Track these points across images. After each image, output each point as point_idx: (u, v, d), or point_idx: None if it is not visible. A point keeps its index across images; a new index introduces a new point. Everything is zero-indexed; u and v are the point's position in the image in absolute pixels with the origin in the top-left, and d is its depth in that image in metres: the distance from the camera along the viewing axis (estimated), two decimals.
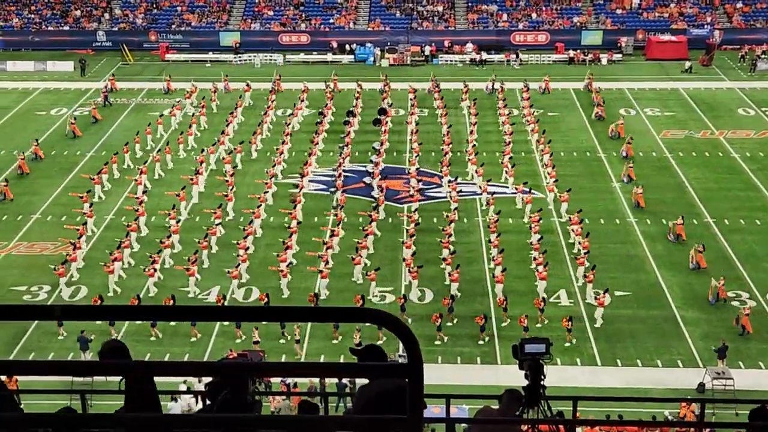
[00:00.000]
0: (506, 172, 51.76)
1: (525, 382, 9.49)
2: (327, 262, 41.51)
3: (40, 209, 48.73)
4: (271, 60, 76.65)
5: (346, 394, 27.33)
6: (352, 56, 77.55)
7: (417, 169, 52.32)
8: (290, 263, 41.74)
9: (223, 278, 41.28)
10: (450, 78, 69.08)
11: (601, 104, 62.82)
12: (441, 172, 52.06)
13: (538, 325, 37.98)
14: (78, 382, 23.09)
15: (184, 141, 56.47)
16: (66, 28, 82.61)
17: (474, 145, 54.97)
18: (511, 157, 53.26)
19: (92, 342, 35.69)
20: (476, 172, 51.40)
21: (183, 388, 30.35)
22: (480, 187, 50.02)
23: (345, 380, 31.53)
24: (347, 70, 72.86)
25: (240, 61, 76.92)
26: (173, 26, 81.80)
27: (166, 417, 4.72)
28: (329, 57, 77.38)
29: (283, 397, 31.87)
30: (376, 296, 40.47)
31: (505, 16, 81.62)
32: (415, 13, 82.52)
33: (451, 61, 76.66)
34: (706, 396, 32.99)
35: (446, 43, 78.63)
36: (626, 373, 35.53)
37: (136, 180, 50.30)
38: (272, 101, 62.67)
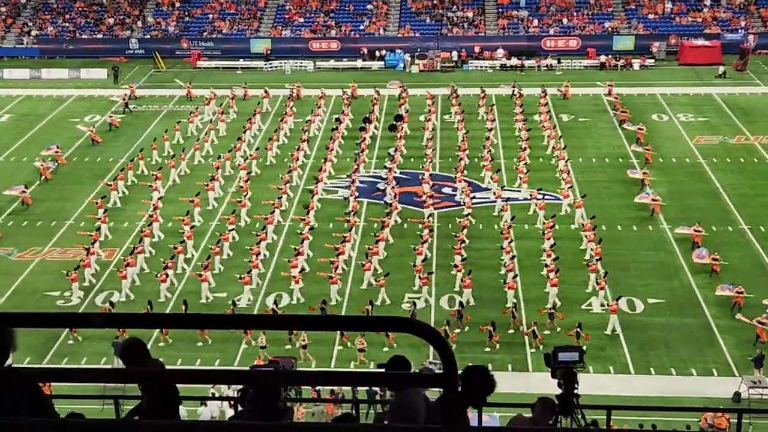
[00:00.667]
0: (520, 178, 51.52)
1: (556, 390, 9.40)
2: (337, 268, 41.54)
3: (73, 215, 49.11)
4: (301, 67, 76.88)
5: (376, 401, 27.28)
6: (382, 62, 77.60)
7: (430, 174, 52.03)
8: (302, 269, 41.77)
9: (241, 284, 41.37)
10: (480, 84, 68.83)
11: (625, 111, 62.32)
12: (456, 178, 51.94)
13: (547, 332, 37.71)
14: (110, 387, 23.14)
15: (201, 147, 56.80)
16: (99, 36, 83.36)
17: (489, 151, 54.80)
18: (526, 163, 53.04)
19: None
20: (492, 178, 51.21)
21: (213, 393, 30.45)
22: (494, 193, 49.85)
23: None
24: (377, 76, 72.88)
25: (271, 67, 77.21)
26: (205, 34, 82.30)
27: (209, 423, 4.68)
28: (359, 63, 77.48)
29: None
30: (406, 302, 40.39)
31: (535, 22, 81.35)
32: (445, 19, 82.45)
33: (481, 67, 76.49)
34: (741, 406, 32.57)
35: (476, 49, 78.46)
36: (660, 381, 35.14)
37: (151, 186, 50.59)
38: (290, 108, 62.78)
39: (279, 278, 42.28)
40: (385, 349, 36.70)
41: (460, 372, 6.96)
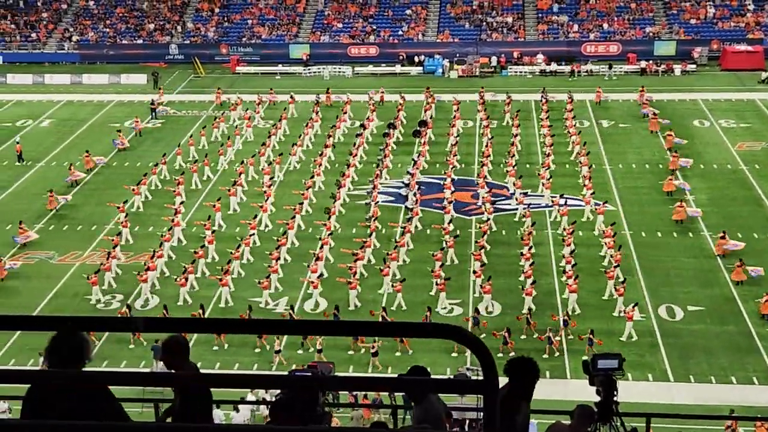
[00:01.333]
0: (543, 184, 51.25)
1: (595, 398, 9.33)
2: (356, 274, 41.62)
3: (113, 219, 49.52)
4: (339, 72, 77.09)
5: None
6: (421, 68, 77.58)
7: (452, 180, 51.80)
8: (320, 274, 41.89)
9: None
10: (519, 90, 68.62)
11: (656, 115, 61.85)
12: (477, 183, 51.78)
13: (558, 338, 37.56)
14: (149, 391, 23.31)
15: (224, 152, 57.19)
16: (140, 41, 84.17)
17: (514, 157, 54.63)
18: (549, 169, 52.83)
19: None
20: (514, 184, 51.01)
21: (251, 397, 30.57)
22: (516, 199, 49.64)
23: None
24: (416, 82, 72.87)
25: (309, 73, 77.48)
26: (244, 39, 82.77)
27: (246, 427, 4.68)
28: (398, 69, 77.52)
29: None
30: (445, 308, 40.34)
31: (575, 27, 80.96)
32: (484, 24, 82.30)
33: (520, 72, 76.24)
34: None
35: (515, 55, 78.21)
36: (699, 389, 34.80)
37: (174, 191, 50.97)
38: (316, 113, 62.95)
39: (298, 284, 42.46)
40: (398, 353, 37.13)
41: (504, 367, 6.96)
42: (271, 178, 52.29)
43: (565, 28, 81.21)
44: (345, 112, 63.43)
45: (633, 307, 38.25)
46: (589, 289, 41.38)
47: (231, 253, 43.81)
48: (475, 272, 41.80)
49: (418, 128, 60.21)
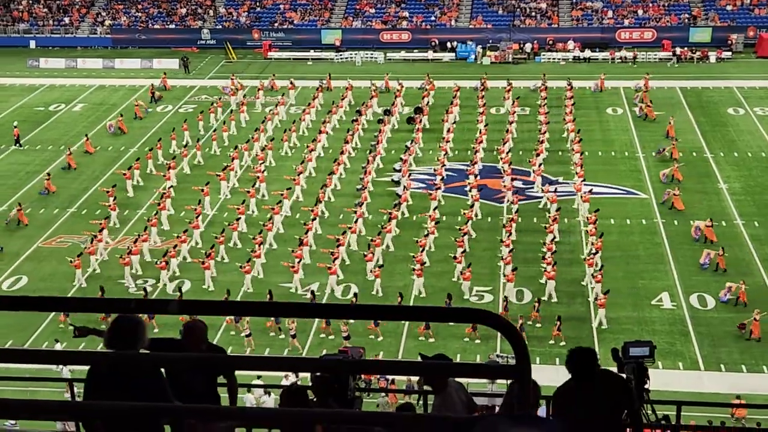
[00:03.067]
0: (534, 172, 51.06)
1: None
2: (337, 259, 41.69)
3: (144, 204, 49.77)
4: (371, 58, 76.98)
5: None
6: (453, 54, 77.29)
7: (443, 166, 51.59)
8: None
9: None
10: (552, 77, 68.15)
11: (649, 105, 61.37)
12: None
13: (538, 325, 37.75)
14: None
15: (218, 138, 57.55)
16: (172, 26, 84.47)
17: (506, 143, 54.53)
18: (539, 155, 52.70)
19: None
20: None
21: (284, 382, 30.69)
22: (505, 186, 49.52)
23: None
24: (448, 68, 72.58)
25: (341, 59, 77.45)
26: (276, 24, 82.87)
27: (288, 412, 4.72)
28: (430, 55, 77.26)
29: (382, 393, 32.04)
30: (475, 296, 40.31)
31: (610, 13, 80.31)
32: (518, 10, 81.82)
33: (553, 58, 75.75)
34: None
35: (549, 41, 77.72)
36: (730, 378, 34.57)
37: (164, 175, 51.53)
38: (315, 99, 63.13)
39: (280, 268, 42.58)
40: (380, 338, 37.59)
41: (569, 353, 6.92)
42: (262, 163, 52.67)
43: (600, 14, 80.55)
44: (344, 98, 63.60)
45: (605, 294, 38.15)
46: (617, 276, 41.18)
47: (215, 237, 44.06)
48: (455, 257, 41.81)
49: (413, 115, 60.34)
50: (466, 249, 42.77)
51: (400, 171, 51.37)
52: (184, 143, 56.68)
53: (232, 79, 69.06)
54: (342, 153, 53.40)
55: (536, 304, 38.33)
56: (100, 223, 45.68)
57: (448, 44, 78.24)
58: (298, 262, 41.29)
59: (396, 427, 4.03)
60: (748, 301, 38.33)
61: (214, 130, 58.57)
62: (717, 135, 56.85)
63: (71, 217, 48.97)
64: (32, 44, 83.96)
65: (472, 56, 76.44)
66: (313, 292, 39.90)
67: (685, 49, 74.57)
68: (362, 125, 58.74)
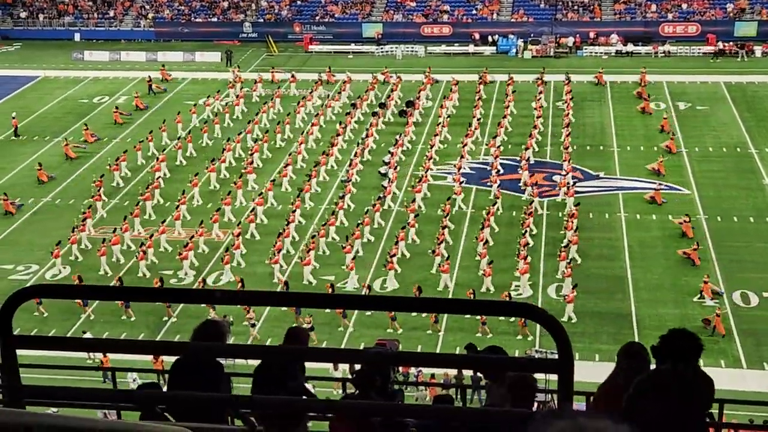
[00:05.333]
0: (521, 168, 50.75)
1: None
2: (311, 250, 42.01)
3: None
4: (412, 51, 76.85)
5: (481, 387, 27.19)
6: (495, 48, 76.93)
7: (432, 159, 51.90)
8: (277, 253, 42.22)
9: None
10: (594, 71, 67.61)
11: (647, 99, 60.83)
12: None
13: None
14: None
15: (209, 130, 58.17)
16: (214, 19, 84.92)
17: (496, 137, 54.56)
18: (528, 149, 52.55)
19: (232, 325, 36.55)
20: (492, 166, 50.84)
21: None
22: (492, 182, 49.30)
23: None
24: (489, 62, 72.27)
25: (382, 52, 77.38)
26: (317, 18, 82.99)
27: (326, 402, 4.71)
28: (471, 48, 76.95)
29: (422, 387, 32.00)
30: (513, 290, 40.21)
31: (653, 7, 79.42)
32: (560, 3, 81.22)
33: (596, 52, 75.10)
34: None
35: (591, 35, 77.10)
36: None
37: (154, 167, 52.20)
38: (311, 91, 63.66)
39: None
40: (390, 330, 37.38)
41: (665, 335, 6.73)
42: (251, 155, 53.11)
43: (643, 8, 79.73)
44: (341, 92, 63.97)
45: (574, 288, 38.04)
46: (658, 272, 40.85)
47: (196, 230, 44.41)
48: (434, 251, 41.92)
49: (405, 108, 60.31)
50: (448, 241, 43.01)
51: (388, 164, 51.68)
52: (179, 136, 57.33)
53: (233, 71, 69.77)
54: (333, 145, 53.87)
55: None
56: (84, 213, 46.82)
57: (489, 38, 77.87)
58: (278, 253, 41.69)
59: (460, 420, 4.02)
60: None
61: (205, 122, 59.49)
62: (762, 131, 56.09)
63: (113, 208, 49.38)
64: (77, 37, 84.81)
65: (513, 50, 76.01)
66: (287, 283, 40.22)
67: (730, 43, 73.55)
68: (356, 118, 59.24)
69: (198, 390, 5.55)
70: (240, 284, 39.42)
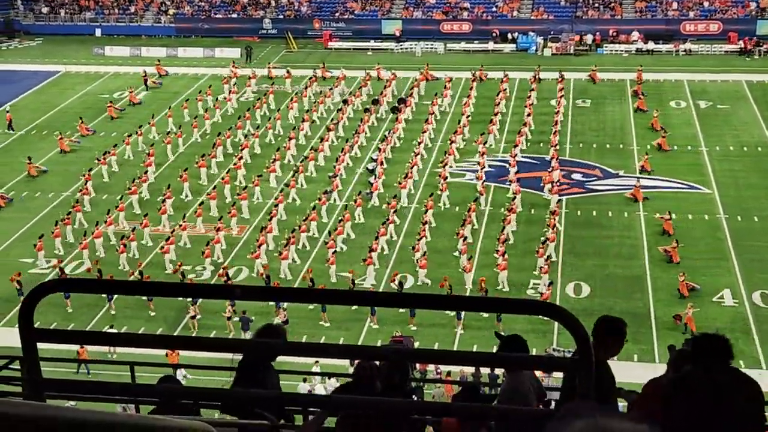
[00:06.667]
0: (509, 164, 50.68)
1: None
2: (289, 244, 42.38)
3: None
4: (432, 48, 76.74)
5: (498, 385, 27.16)
6: (514, 45, 76.71)
7: (419, 155, 52.02)
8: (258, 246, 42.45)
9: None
10: (614, 69, 67.36)
11: (641, 96, 60.70)
12: (443, 159, 51.54)
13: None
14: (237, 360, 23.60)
15: (199, 125, 58.60)
16: (234, 15, 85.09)
17: (483, 134, 54.58)
18: (516, 146, 52.66)
19: (253, 322, 36.62)
20: (479, 160, 50.97)
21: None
22: (477, 178, 49.33)
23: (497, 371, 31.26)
24: (508, 59, 72.07)
25: (401, 49, 77.32)
26: (337, 14, 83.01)
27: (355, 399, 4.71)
28: (490, 46, 76.78)
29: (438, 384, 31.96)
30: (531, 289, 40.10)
31: (675, 5, 78.97)
32: (580, 1, 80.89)
33: (616, 50, 74.75)
34: None
35: (611, 32, 76.75)
36: None
37: (144, 162, 52.50)
38: (306, 87, 64.14)
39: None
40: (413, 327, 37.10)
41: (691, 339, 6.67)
42: (241, 150, 53.55)
43: (664, 6, 79.31)
44: (333, 88, 64.10)
45: (548, 286, 38.06)
46: (677, 272, 40.69)
47: (179, 225, 44.89)
48: (413, 248, 42.17)
49: (397, 105, 60.29)
50: (428, 237, 43.23)
51: (376, 160, 51.82)
52: (168, 131, 57.64)
53: (232, 67, 70.03)
54: (323, 141, 54.11)
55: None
56: (74, 207, 47.45)
57: (509, 35, 77.66)
58: (259, 248, 41.93)
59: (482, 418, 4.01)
60: None
61: (195, 117, 59.98)
62: None
63: (129, 205, 49.56)
64: (98, 32, 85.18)
65: (533, 48, 75.78)
66: (268, 277, 40.62)
67: (752, 40, 73.01)
68: (348, 114, 59.45)
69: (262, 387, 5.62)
70: (265, 280, 39.79)
